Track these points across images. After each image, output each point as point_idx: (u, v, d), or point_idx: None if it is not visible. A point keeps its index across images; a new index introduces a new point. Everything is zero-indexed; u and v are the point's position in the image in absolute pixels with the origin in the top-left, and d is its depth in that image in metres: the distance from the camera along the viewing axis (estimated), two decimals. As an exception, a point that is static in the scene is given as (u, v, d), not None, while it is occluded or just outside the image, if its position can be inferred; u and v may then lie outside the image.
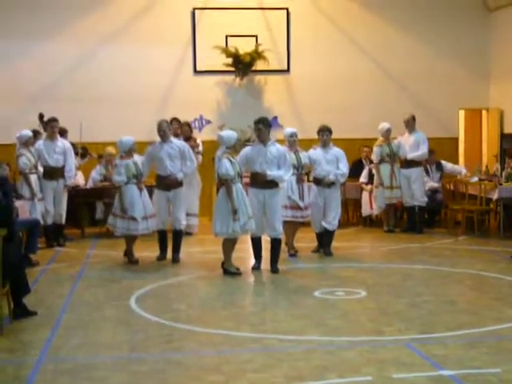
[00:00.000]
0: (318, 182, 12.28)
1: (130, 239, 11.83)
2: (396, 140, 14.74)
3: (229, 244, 10.78)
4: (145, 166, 11.81)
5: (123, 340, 7.70)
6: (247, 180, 11.24)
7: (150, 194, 12.12)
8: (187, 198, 12.79)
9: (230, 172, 10.51)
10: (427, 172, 15.13)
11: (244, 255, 12.00)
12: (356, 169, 15.77)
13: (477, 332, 7.72)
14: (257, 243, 11.13)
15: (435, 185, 15.19)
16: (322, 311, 8.68)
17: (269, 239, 11.06)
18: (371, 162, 15.65)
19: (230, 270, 10.77)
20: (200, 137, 15.66)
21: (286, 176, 10.92)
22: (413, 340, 7.43)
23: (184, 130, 14.12)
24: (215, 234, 10.78)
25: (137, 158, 11.86)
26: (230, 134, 10.87)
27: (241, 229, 10.61)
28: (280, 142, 11.99)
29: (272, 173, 10.75)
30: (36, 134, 13.65)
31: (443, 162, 15.58)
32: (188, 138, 13.90)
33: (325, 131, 12.26)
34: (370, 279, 10.51)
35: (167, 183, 11.74)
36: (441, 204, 15.41)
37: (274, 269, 10.92)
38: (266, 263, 11.12)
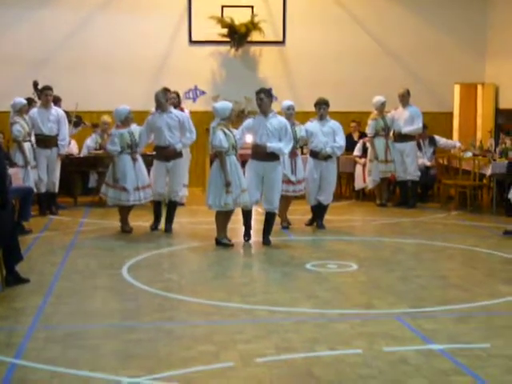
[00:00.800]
0: (315, 154, 12.21)
1: (124, 209, 11.82)
2: (390, 114, 14.73)
3: (221, 216, 10.78)
4: (143, 135, 11.75)
5: (115, 308, 7.72)
6: (242, 152, 11.19)
7: (150, 163, 12.06)
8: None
9: (223, 144, 10.47)
10: (420, 147, 15.14)
11: (237, 226, 12.01)
12: (348, 143, 15.76)
13: (467, 307, 7.76)
14: (248, 216, 11.11)
15: (427, 163, 15.20)
16: (313, 284, 8.71)
17: (262, 211, 11.06)
18: (360, 136, 15.68)
19: (222, 242, 10.79)
20: (194, 107, 15.63)
21: (287, 149, 10.80)
22: (403, 314, 7.47)
23: (171, 98, 14.02)
24: (208, 207, 10.77)
25: (134, 127, 11.80)
26: (224, 105, 10.81)
27: (233, 202, 10.60)
28: (275, 114, 11.97)
29: (272, 145, 10.69)
30: (30, 101, 13.60)
31: (436, 137, 15.60)
32: (175, 107, 13.82)
33: (322, 104, 12.18)
34: (361, 253, 10.55)
35: (166, 154, 11.69)
36: (434, 179, 15.45)
37: (265, 240, 10.93)
38: (258, 235, 11.14)
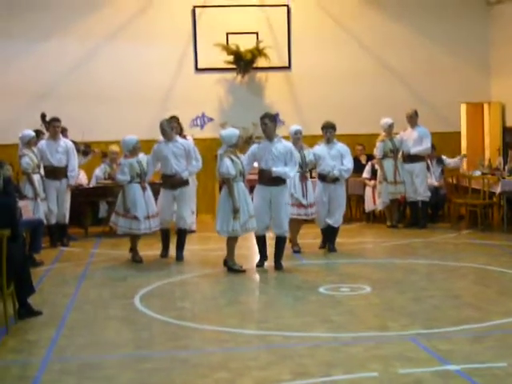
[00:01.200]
0: (323, 177, 12.26)
1: (134, 238, 11.84)
2: (398, 135, 14.74)
3: (232, 242, 10.79)
4: (150, 164, 11.81)
5: (128, 338, 7.71)
6: (250, 177, 11.23)
7: (157, 192, 12.10)
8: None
9: (230, 171, 10.51)
10: (428, 168, 15.12)
11: (248, 252, 12.01)
12: (356, 166, 15.81)
13: (482, 326, 7.72)
14: (261, 241, 11.13)
15: (435, 183, 15.16)
16: (326, 307, 8.68)
17: (273, 236, 11.06)
18: (368, 158, 15.69)
19: (233, 268, 10.78)
20: (202, 134, 15.68)
21: (292, 173, 10.85)
22: (418, 335, 7.43)
23: (173, 127, 14.03)
24: (218, 233, 10.80)
25: (142, 156, 11.85)
26: (231, 132, 10.86)
27: (241, 227, 10.62)
28: (283, 139, 11.99)
29: (277, 169, 10.72)
30: (38, 133, 13.65)
31: (443, 157, 15.58)
32: (178, 135, 13.85)
33: (329, 128, 12.24)
34: (374, 275, 10.52)
35: (172, 182, 11.73)
36: (444, 198, 15.42)
37: (277, 265, 10.92)
38: (270, 260, 11.12)
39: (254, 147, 11.09)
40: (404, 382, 6.09)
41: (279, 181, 10.79)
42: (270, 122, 10.86)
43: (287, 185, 11.03)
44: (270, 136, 10.87)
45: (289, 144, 11.04)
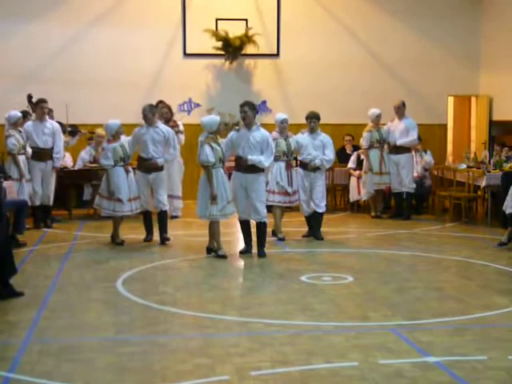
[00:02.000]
0: (304, 165, 12.35)
1: (117, 220, 11.84)
2: (385, 126, 14.75)
3: (214, 227, 10.84)
4: (130, 147, 11.87)
5: (109, 322, 7.69)
6: (231, 164, 11.28)
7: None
8: (170, 180, 12.85)
9: (210, 158, 10.60)
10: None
11: (231, 239, 12.01)
12: (341, 156, 15.87)
13: (463, 319, 7.74)
14: (244, 227, 11.15)
15: (418, 174, 15.11)
16: (308, 296, 8.69)
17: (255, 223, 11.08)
18: (354, 149, 15.73)
19: (219, 253, 10.81)
20: (189, 120, 15.65)
21: (267, 162, 10.88)
22: (399, 326, 7.45)
23: (163, 112, 14.05)
24: (198, 217, 10.94)
25: (124, 139, 11.90)
26: (211, 119, 10.93)
27: (219, 212, 10.69)
28: (270, 126, 12.00)
29: (253, 157, 10.74)
30: (26, 115, 13.58)
31: (428, 154, 15.58)
32: (168, 120, 13.88)
33: (312, 118, 12.33)
34: (357, 265, 10.54)
35: (147, 166, 11.81)
36: (429, 190, 15.46)
37: (260, 253, 10.93)
38: (254, 248, 11.11)
39: (231, 134, 11.11)
40: (384, 373, 6.10)
41: (255, 168, 10.82)
42: (249, 110, 10.86)
43: (265, 172, 11.10)
44: (248, 124, 10.89)
45: (266, 133, 11.04)
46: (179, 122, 14.54)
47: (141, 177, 11.91)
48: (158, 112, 12.63)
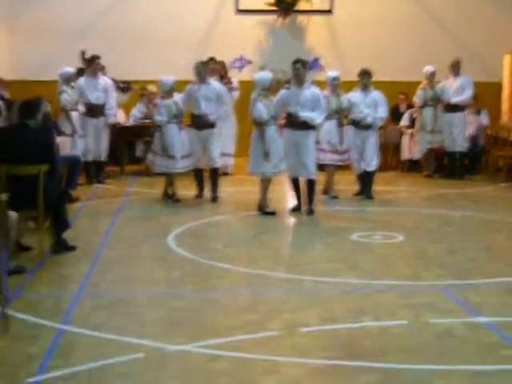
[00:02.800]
0: (357, 123, 12.24)
1: (170, 178, 11.90)
2: (440, 83, 14.54)
3: (265, 184, 10.83)
4: (182, 104, 11.88)
5: (160, 277, 7.79)
6: (283, 121, 11.23)
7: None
8: (222, 138, 12.83)
9: (263, 115, 10.53)
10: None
11: (282, 196, 12.02)
12: (396, 114, 15.69)
13: (514, 280, 7.69)
14: (295, 185, 11.14)
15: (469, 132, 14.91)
16: (358, 254, 8.68)
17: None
18: (408, 107, 15.55)
19: (266, 210, 10.81)
20: (241, 77, 15.60)
21: (319, 119, 10.79)
22: (449, 286, 7.41)
23: (217, 69, 14.02)
24: (250, 174, 10.92)
25: (177, 97, 11.91)
26: (264, 75, 10.87)
27: (272, 169, 10.67)
28: (322, 84, 11.91)
29: (304, 114, 10.66)
30: (80, 71, 13.65)
31: (483, 113, 15.36)
32: (222, 77, 13.87)
33: (365, 74, 12.20)
34: (408, 223, 10.48)
35: (200, 123, 11.79)
36: (482, 150, 15.26)
37: (309, 210, 10.90)
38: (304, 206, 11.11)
39: (282, 92, 11.04)
40: (433, 332, 6.10)
41: (306, 125, 10.74)
42: (301, 67, 10.77)
43: (314, 130, 10.98)
44: (300, 82, 10.80)
45: (317, 90, 10.95)
46: (233, 79, 14.51)
47: (193, 134, 11.90)
48: (208, 69, 12.59)
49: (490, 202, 12.17)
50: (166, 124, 11.68)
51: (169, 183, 11.95)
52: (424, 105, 14.45)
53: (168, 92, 11.78)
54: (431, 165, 14.77)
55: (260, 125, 10.60)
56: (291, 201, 11.38)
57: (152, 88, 14.46)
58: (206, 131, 11.86)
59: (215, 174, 12.02)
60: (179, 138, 11.75)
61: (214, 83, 12.13)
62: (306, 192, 10.98)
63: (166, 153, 11.67)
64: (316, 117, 10.72)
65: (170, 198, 11.88)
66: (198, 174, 12.15)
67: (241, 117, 14.10)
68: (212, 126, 11.94)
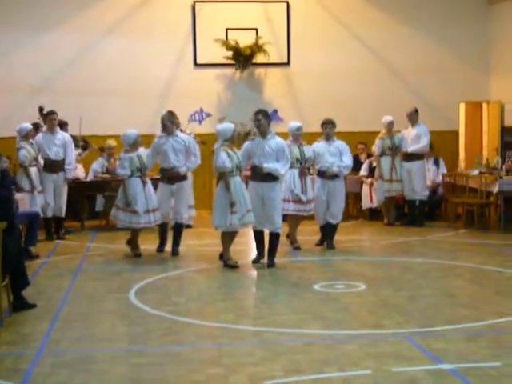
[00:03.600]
0: (322, 174, 12.29)
1: (134, 232, 11.82)
2: (400, 133, 14.72)
3: (227, 237, 10.77)
4: (150, 158, 11.77)
5: (123, 333, 7.70)
6: (248, 173, 11.24)
7: (155, 187, 12.08)
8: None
9: (226, 164, 10.50)
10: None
11: (244, 248, 12.00)
12: (355, 163, 15.78)
13: (477, 326, 7.71)
14: (258, 236, 11.11)
15: (428, 182, 15.03)
16: (321, 304, 8.67)
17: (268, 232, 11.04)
18: (368, 157, 15.70)
19: (228, 263, 10.77)
20: (200, 129, 15.66)
21: (283, 170, 10.85)
22: (412, 333, 7.42)
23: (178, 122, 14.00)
24: (215, 227, 10.79)
25: (141, 150, 11.86)
26: (226, 126, 10.90)
27: (239, 221, 10.61)
28: (282, 135, 11.99)
29: (268, 165, 10.70)
30: (37, 126, 13.63)
31: (441, 161, 15.55)
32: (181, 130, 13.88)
33: (328, 124, 12.29)
34: (370, 272, 10.51)
35: (170, 176, 11.72)
36: (441, 197, 15.40)
37: (270, 262, 10.87)
38: (266, 257, 11.10)
39: (247, 144, 11.09)
40: (397, 381, 6.08)
41: (271, 177, 10.77)
42: (263, 118, 10.84)
43: (280, 181, 11.02)
44: (263, 132, 10.87)
45: (281, 141, 11.02)
46: (188, 131, 14.53)
47: (164, 188, 11.80)
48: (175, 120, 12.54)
49: (451, 249, 12.25)
50: (128, 178, 11.63)
51: (133, 238, 11.86)
52: (382, 154, 14.59)
53: (132, 145, 11.73)
54: (392, 213, 14.87)
55: (224, 175, 10.56)
56: (254, 252, 11.34)
57: (112, 142, 14.46)
58: (177, 184, 11.78)
59: (180, 229, 11.95)
60: (142, 192, 11.67)
61: (181, 135, 12.08)
62: (269, 245, 10.96)
63: (129, 208, 11.60)
64: (280, 168, 10.75)
65: (129, 246, 11.81)
66: (163, 229, 12.07)
67: (199, 169, 14.09)
68: (183, 178, 11.88)
